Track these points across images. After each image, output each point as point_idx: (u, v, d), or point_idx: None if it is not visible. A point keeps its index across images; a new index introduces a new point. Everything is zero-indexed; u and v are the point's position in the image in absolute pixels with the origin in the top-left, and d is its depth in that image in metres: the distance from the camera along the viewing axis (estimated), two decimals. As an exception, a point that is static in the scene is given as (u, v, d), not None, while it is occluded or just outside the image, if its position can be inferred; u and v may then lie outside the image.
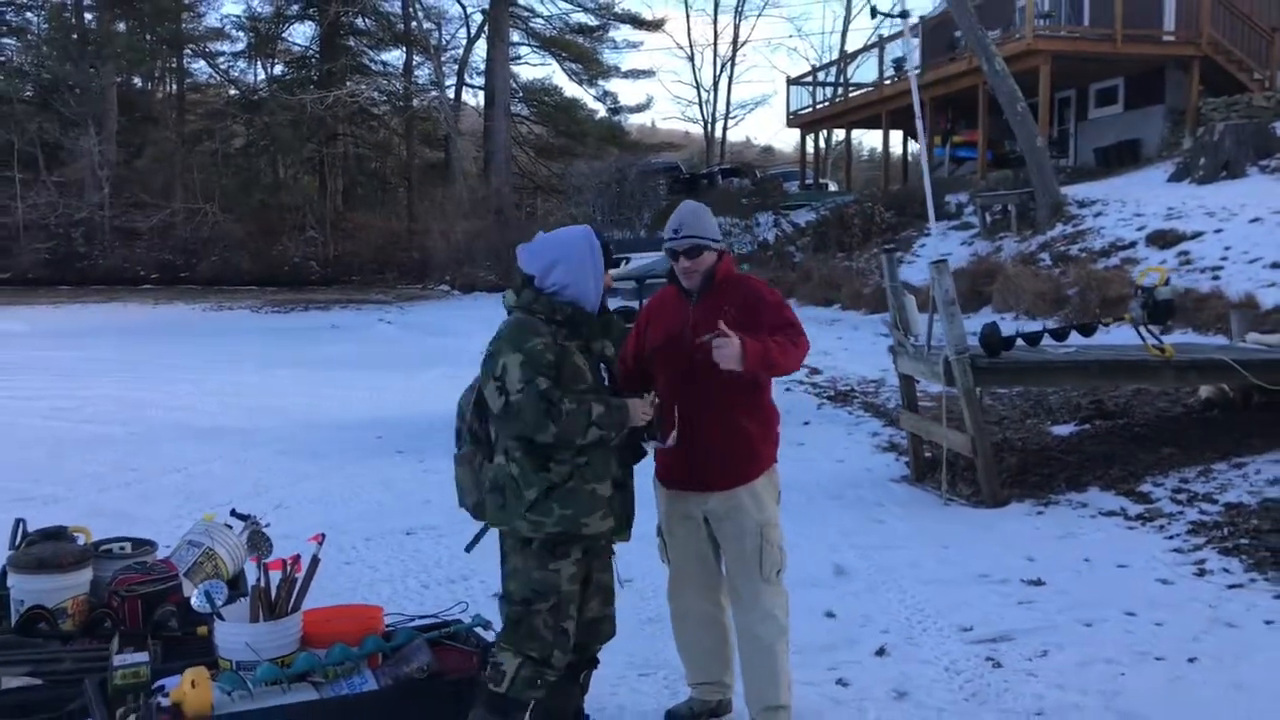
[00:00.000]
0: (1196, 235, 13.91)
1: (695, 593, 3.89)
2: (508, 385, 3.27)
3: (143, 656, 3.66)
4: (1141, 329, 7.35)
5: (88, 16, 39.99)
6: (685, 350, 3.70)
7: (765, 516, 3.73)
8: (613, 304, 12.69)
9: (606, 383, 3.55)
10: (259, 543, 4.62)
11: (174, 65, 42.75)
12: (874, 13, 9.77)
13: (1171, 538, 6.13)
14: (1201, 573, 5.54)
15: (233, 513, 5.00)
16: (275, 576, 3.93)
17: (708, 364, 3.59)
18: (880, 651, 4.61)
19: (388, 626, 4.12)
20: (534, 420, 3.25)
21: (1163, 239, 14.23)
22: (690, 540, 3.84)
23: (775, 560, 3.73)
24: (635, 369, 3.87)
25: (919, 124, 7.95)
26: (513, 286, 3.52)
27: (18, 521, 4.66)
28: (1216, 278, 12.41)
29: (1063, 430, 8.81)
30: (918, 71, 20.76)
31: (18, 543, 4.49)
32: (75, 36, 38.85)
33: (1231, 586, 5.30)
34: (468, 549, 3.78)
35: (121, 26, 40.53)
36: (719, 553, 3.85)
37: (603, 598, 3.61)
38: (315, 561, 4.01)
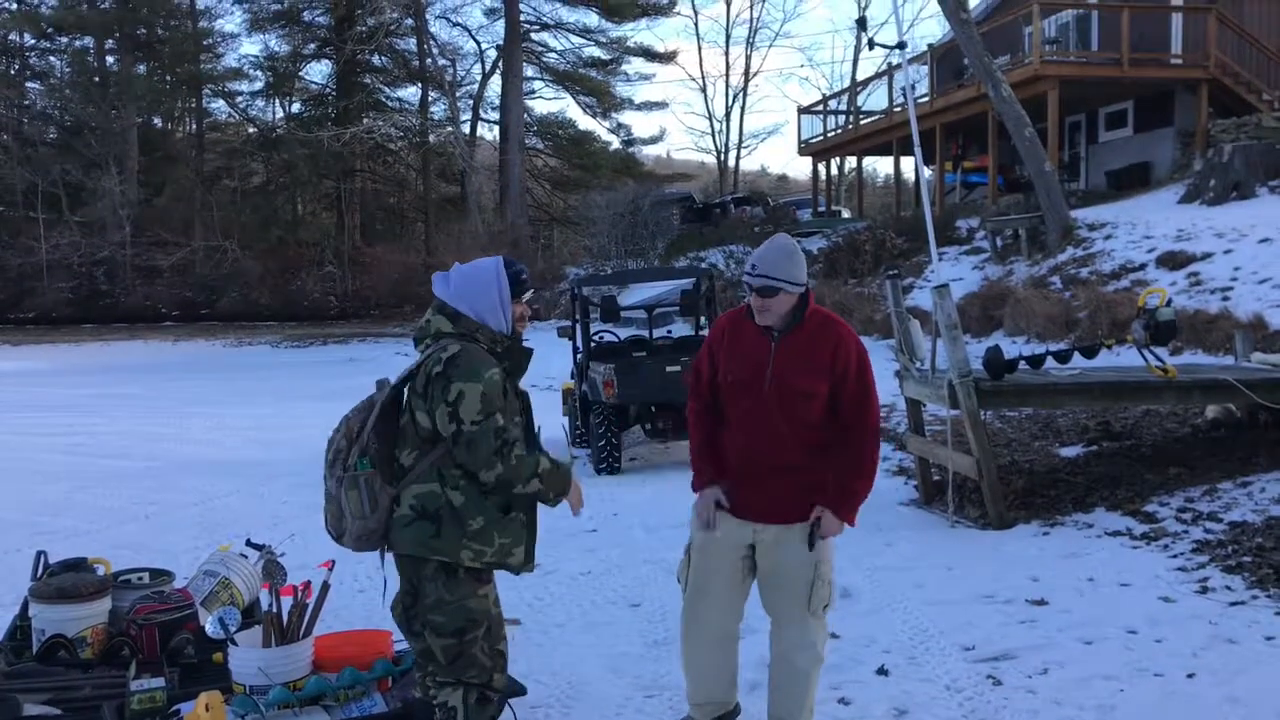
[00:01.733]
0: (1206, 256, 13.94)
1: (716, 612, 3.82)
2: (462, 413, 3.21)
3: (159, 682, 3.78)
4: (1144, 350, 7.41)
5: (109, 59, 40.70)
6: (763, 388, 3.64)
7: (821, 553, 3.69)
8: (623, 334, 12.76)
9: (525, 414, 3.52)
10: (273, 571, 4.73)
11: (193, 105, 43.37)
12: (871, 44, 9.92)
13: (1175, 556, 6.17)
14: (1204, 590, 5.58)
15: (248, 543, 5.12)
16: (287, 603, 4.05)
17: (784, 403, 3.61)
18: (882, 671, 4.68)
19: (397, 651, 4.23)
20: (485, 456, 3.22)
21: (1173, 260, 14.25)
22: (726, 562, 3.77)
23: (824, 595, 3.71)
24: (708, 391, 3.82)
25: (917, 154, 8.08)
26: (443, 312, 3.42)
27: (39, 554, 4.80)
28: (1226, 298, 12.43)
29: (1070, 452, 8.86)
30: (922, 100, 20.85)
31: (39, 574, 4.62)
32: (97, 79, 39.53)
33: (1233, 604, 5.34)
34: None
35: (142, 68, 41.24)
36: (751, 579, 3.82)
37: (504, 632, 3.63)
38: (325, 587, 4.12)
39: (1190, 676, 4.47)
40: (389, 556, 3.43)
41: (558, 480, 3.37)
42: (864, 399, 3.66)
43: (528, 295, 3.49)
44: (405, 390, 3.40)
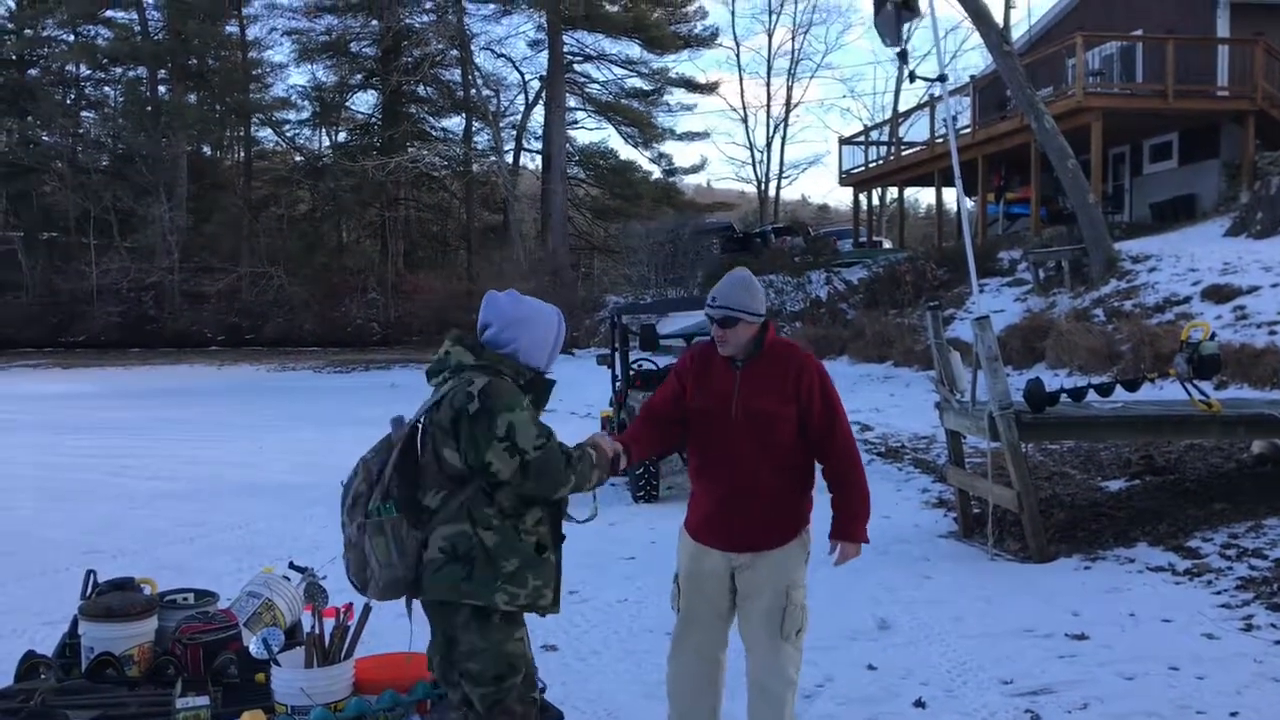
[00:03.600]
0: (1253, 290, 13.79)
1: (700, 642, 3.86)
2: (521, 444, 3.13)
3: (203, 700, 3.83)
4: (1187, 384, 7.34)
5: (161, 89, 41.56)
6: (729, 416, 3.73)
7: (792, 578, 3.74)
8: (662, 362, 12.81)
9: None
10: (315, 593, 4.78)
11: (242, 134, 44.15)
12: (913, 77, 10.04)
13: (1219, 593, 6.09)
14: (1249, 628, 5.51)
15: (291, 565, 5.17)
16: (329, 624, 4.10)
17: (752, 427, 3.69)
18: (919, 704, 4.66)
19: (436, 674, 4.26)
20: (558, 475, 3.19)
21: (1218, 294, 14.12)
22: (709, 592, 3.83)
23: (797, 620, 3.73)
24: (665, 420, 3.89)
25: (958, 185, 8.10)
26: (463, 343, 3.35)
27: (88, 573, 4.87)
28: (1273, 332, 12.29)
29: (1113, 486, 8.77)
30: (964, 131, 20.78)
31: (88, 593, 4.70)
32: (149, 108, 40.35)
33: (1279, 642, 5.27)
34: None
35: (192, 98, 42.06)
36: (734, 609, 3.85)
37: None
38: (367, 610, 4.16)
39: (1234, 715, 4.41)
40: (416, 603, 3.35)
41: (598, 461, 3.40)
42: (832, 420, 3.77)
43: None
44: (425, 427, 3.29)
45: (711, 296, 3.79)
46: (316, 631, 4.05)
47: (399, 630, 5.77)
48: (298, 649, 4.14)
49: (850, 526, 3.78)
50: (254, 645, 4.03)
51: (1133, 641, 5.39)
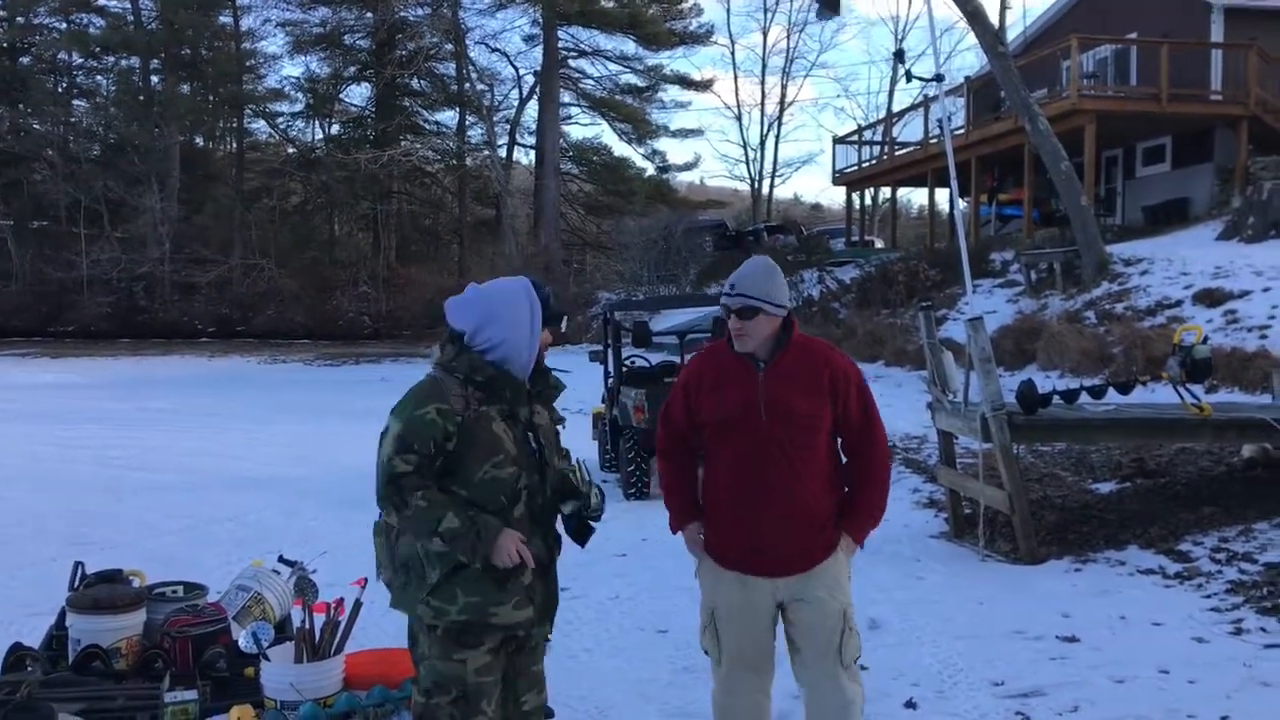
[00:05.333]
0: (1244, 294, 13.82)
1: (754, 688, 3.53)
2: (380, 454, 3.03)
3: (192, 695, 3.82)
4: (1179, 387, 7.35)
5: (154, 79, 41.41)
6: (757, 424, 3.38)
7: (847, 599, 3.46)
8: (655, 359, 12.75)
9: (537, 454, 3.18)
10: (305, 588, 4.76)
11: (234, 125, 44.01)
12: (909, 77, 9.97)
13: (1209, 596, 6.10)
14: (1238, 631, 5.52)
15: (280, 559, 5.16)
16: (319, 619, 4.08)
17: (786, 431, 3.37)
18: (910, 704, 4.65)
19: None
20: (379, 498, 3.03)
21: (1210, 297, 14.15)
22: (755, 629, 3.48)
23: (856, 647, 3.46)
24: (687, 433, 3.58)
25: (953, 186, 8.12)
26: (439, 341, 3.21)
27: (76, 565, 4.85)
28: (1264, 336, 12.32)
29: (1104, 488, 8.79)
30: (958, 132, 20.77)
31: (76, 585, 4.67)
32: (141, 98, 40.21)
33: (1269, 646, 5.27)
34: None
35: (185, 88, 41.92)
36: (774, 641, 3.55)
37: (537, 688, 3.32)
38: (358, 605, 4.16)
39: (1224, 719, 4.42)
40: None
41: (464, 542, 2.96)
42: (870, 418, 3.47)
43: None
44: None
45: (730, 284, 3.43)
46: (306, 626, 4.04)
47: (389, 626, 5.76)
48: (287, 644, 4.13)
49: (862, 528, 3.50)
50: (243, 639, 4.02)
51: (1123, 644, 5.39)
